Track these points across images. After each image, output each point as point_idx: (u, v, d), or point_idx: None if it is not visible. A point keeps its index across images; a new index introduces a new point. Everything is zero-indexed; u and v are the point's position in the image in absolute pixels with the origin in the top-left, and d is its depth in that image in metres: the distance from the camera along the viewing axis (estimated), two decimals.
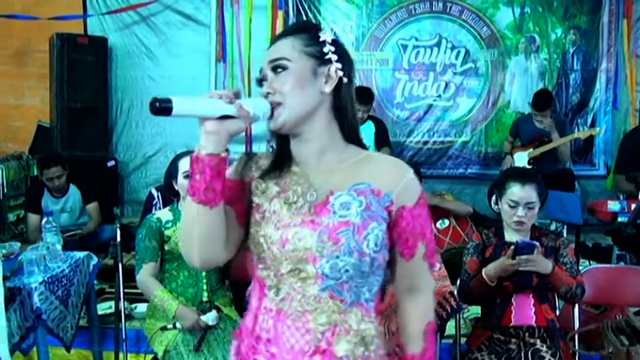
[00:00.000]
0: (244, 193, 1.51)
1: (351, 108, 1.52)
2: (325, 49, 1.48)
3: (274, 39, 1.51)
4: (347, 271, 1.43)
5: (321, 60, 1.47)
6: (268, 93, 1.45)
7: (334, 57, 1.48)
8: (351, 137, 1.53)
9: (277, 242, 1.44)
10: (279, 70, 1.45)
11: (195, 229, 1.41)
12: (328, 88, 1.47)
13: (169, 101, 1.31)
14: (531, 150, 5.66)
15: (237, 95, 1.38)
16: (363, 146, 1.55)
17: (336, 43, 1.50)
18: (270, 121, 1.45)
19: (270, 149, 1.58)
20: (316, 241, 1.42)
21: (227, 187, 1.42)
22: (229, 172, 1.48)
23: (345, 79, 1.49)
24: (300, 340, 1.44)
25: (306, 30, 1.51)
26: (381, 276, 1.52)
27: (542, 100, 5.62)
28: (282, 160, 1.51)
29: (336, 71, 1.47)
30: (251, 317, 1.54)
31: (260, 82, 1.49)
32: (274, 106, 1.44)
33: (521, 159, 5.73)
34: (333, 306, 1.45)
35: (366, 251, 1.43)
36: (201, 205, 1.38)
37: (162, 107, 1.31)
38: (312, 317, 1.45)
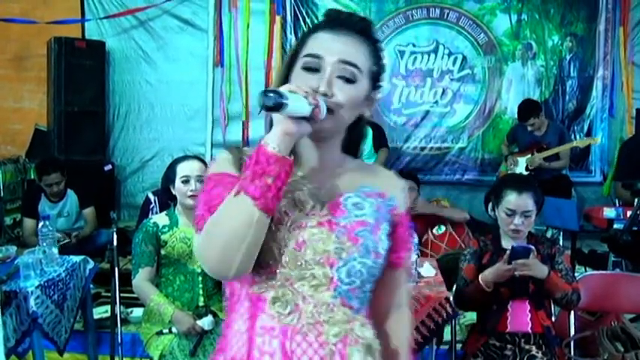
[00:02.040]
0: None
1: (363, 126, 1.46)
2: (382, 75, 1.41)
3: (337, 24, 1.34)
4: (361, 274, 1.34)
5: (375, 85, 1.39)
6: (325, 94, 1.29)
7: (382, 83, 1.41)
8: (352, 150, 1.47)
9: (292, 245, 1.30)
10: (347, 78, 1.32)
11: (248, 237, 1.22)
12: (368, 113, 1.41)
13: (283, 96, 1.17)
14: (529, 156, 5.67)
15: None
16: (357, 157, 1.50)
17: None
18: (312, 122, 1.27)
19: None
20: (335, 242, 1.32)
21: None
22: (230, 170, 1.35)
23: None
24: (315, 356, 1.30)
25: (371, 37, 1.38)
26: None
27: (522, 112, 5.71)
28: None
29: (378, 97, 1.41)
30: (241, 343, 1.33)
31: (315, 68, 1.32)
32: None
33: (519, 165, 5.75)
34: (344, 315, 1.34)
35: (381, 252, 1.37)
36: (262, 212, 1.21)
37: (276, 104, 1.17)
38: (326, 329, 1.32)
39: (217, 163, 1.39)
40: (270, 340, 1.30)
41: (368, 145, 5.92)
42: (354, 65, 1.32)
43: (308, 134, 1.29)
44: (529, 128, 5.68)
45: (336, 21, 1.36)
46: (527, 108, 5.72)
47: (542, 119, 5.73)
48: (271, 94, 1.16)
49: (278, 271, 1.30)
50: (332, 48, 1.32)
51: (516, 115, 5.87)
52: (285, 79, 1.35)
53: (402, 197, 1.47)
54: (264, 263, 1.30)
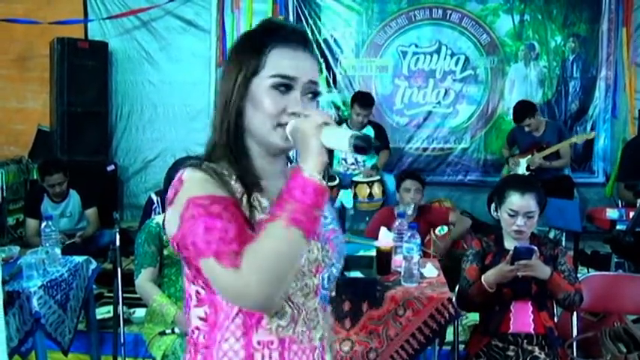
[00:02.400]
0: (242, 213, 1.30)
1: None
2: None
3: (291, 39, 1.34)
4: (335, 278, 1.42)
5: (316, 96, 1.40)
6: (298, 113, 1.30)
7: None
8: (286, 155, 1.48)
9: None
10: (313, 95, 1.35)
11: (297, 267, 1.24)
12: None
13: (371, 139, 1.23)
14: (529, 157, 5.67)
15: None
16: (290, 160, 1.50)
17: None
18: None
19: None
20: (320, 250, 1.36)
21: (235, 210, 1.25)
22: (219, 192, 1.26)
23: None
24: (309, 355, 1.37)
25: (314, 52, 1.41)
26: None
27: (517, 113, 5.73)
28: (254, 174, 1.35)
29: None
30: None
31: (286, 86, 1.32)
32: None
33: (520, 166, 5.75)
34: (322, 318, 1.40)
35: (344, 255, 1.46)
36: (306, 242, 1.20)
37: (374, 147, 1.24)
38: (313, 334, 1.37)
39: (198, 185, 1.26)
40: (270, 353, 1.31)
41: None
42: (317, 83, 1.36)
43: (276, 150, 1.34)
44: (526, 129, 5.68)
45: (290, 36, 1.35)
46: (522, 109, 5.72)
47: (539, 119, 5.73)
48: (364, 140, 1.21)
49: None
50: (302, 68, 1.33)
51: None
52: (242, 95, 1.32)
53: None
54: None
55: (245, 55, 1.33)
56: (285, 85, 1.31)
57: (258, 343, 1.31)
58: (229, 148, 1.34)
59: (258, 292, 1.17)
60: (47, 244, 3.39)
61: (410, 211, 4.45)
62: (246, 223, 1.26)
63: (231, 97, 1.32)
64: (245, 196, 1.30)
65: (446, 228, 4.77)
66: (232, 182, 1.30)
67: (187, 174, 1.28)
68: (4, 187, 5.95)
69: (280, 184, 1.27)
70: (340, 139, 1.23)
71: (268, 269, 1.17)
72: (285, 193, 1.20)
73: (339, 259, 1.43)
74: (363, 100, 5.83)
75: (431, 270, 3.14)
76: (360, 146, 1.21)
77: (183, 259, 1.33)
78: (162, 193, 4.24)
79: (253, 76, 1.32)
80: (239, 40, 1.40)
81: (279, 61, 1.32)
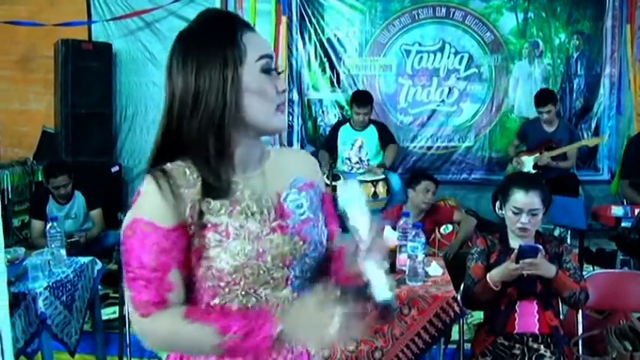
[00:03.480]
0: (187, 234, 1.31)
1: None
2: None
3: (246, 23, 1.38)
4: (311, 267, 1.41)
5: None
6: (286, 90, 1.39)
7: None
8: None
9: (254, 257, 1.31)
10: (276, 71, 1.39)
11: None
12: None
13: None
14: (537, 155, 5.66)
15: None
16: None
17: None
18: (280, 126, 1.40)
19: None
20: (288, 244, 1.36)
21: (174, 245, 1.28)
22: (160, 217, 1.28)
23: None
24: (288, 354, 1.40)
25: None
26: None
27: (540, 98, 5.75)
28: (224, 179, 1.34)
29: None
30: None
31: (272, 70, 1.35)
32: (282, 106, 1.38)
33: (526, 163, 5.74)
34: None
35: (324, 241, 1.45)
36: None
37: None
38: None
39: (147, 204, 1.29)
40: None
41: (374, 144, 5.93)
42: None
43: (255, 133, 1.37)
44: (545, 116, 5.64)
45: (241, 19, 1.38)
46: (545, 94, 5.79)
47: (556, 111, 5.73)
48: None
49: (241, 282, 1.32)
50: (267, 45, 1.39)
51: (534, 103, 5.85)
52: (237, 87, 1.31)
53: (321, 176, 1.56)
54: (226, 276, 1.31)
55: (219, 46, 1.31)
56: (271, 67, 1.34)
57: None
58: (202, 145, 1.31)
59: (151, 345, 1.32)
60: (52, 246, 3.41)
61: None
62: (180, 251, 1.29)
63: (224, 91, 1.29)
64: (200, 202, 1.30)
65: (450, 227, 4.77)
66: (186, 190, 1.29)
67: (145, 186, 1.31)
68: (10, 188, 5.97)
69: (252, 169, 1.38)
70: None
71: (170, 345, 1.34)
72: (248, 328, 1.25)
73: (314, 249, 1.41)
74: (360, 98, 5.84)
75: (436, 269, 3.14)
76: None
77: None
78: None
79: (241, 66, 1.31)
80: (195, 34, 1.35)
81: (255, 44, 1.34)
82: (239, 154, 1.36)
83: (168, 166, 1.32)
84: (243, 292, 1.33)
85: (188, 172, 1.31)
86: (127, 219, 1.30)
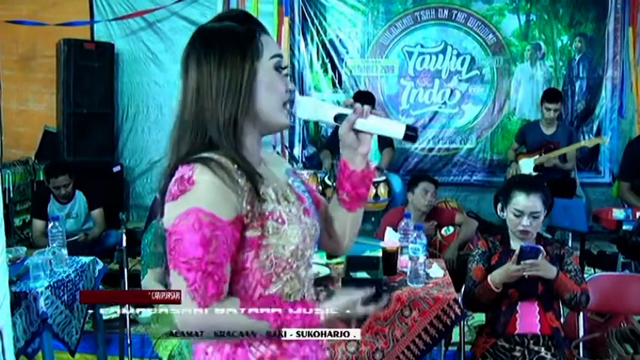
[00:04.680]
0: (241, 226, 1.34)
1: None
2: None
3: (263, 30, 1.45)
4: (314, 246, 1.50)
5: None
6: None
7: None
8: None
9: (302, 240, 1.40)
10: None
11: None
12: None
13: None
14: (537, 157, 5.66)
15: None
16: None
17: None
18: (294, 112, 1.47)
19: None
20: (314, 226, 1.47)
21: (231, 238, 1.31)
22: (221, 209, 1.29)
23: None
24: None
25: None
26: None
27: (549, 94, 5.77)
28: (251, 165, 1.40)
29: None
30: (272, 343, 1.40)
31: (282, 69, 1.44)
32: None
33: (527, 166, 5.74)
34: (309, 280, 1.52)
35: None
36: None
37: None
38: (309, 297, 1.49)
39: (206, 193, 1.29)
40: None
41: (372, 145, 5.92)
42: None
43: (261, 127, 1.43)
44: (552, 114, 5.63)
45: (260, 22, 1.47)
46: (554, 91, 5.85)
47: (558, 111, 5.73)
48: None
49: (294, 266, 1.41)
50: (279, 47, 1.48)
51: (537, 108, 5.88)
52: (252, 80, 1.37)
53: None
54: (283, 262, 1.38)
55: (239, 43, 1.38)
56: (280, 65, 1.42)
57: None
58: (227, 137, 1.36)
59: (193, 327, 1.30)
60: (54, 245, 3.41)
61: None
62: (234, 243, 1.31)
63: (241, 82, 1.36)
64: (253, 192, 1.34)
65: (452, 228, 4.76)
66: (241, 181, 1.33)
67: (198, 175, 1.28)
68: (11, 188, 5.97)
69: (259, 160, 1.45)
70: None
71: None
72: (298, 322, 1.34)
73: (319, 229, 1.52)
74: (362, 95, 5.84)
75: (437, 270, 3.14)
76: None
77: None
78: None
79: (257, 61, 1.38)
80: (217, 31, 1.43)
81: (269, 43, 1.42)
82: (249, 146, 1.42)
83: (213, 155, 1.33)
84: (292, 276, 1.41)
85: (230, 162, 1.33)
86: (178, 207, 1.28)
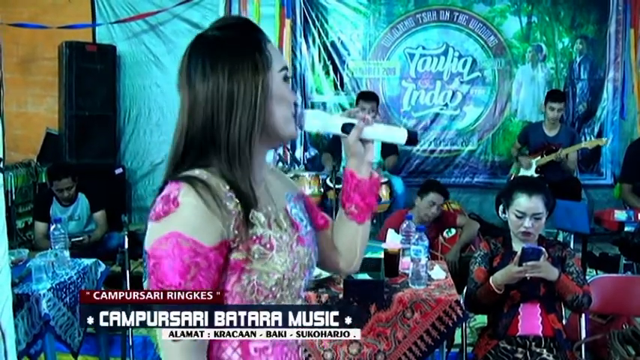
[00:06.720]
0: (225, 251, 1.26)
1: None
2: None
3: (267, 39, 1.38)
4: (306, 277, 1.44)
5: None
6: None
7: None
8: None
9: (291, 268, 1.32)
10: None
11: None
12: None
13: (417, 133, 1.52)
14: (539, 158, 5.66)
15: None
16: None
17: None
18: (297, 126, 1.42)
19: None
20: (307, 255, 1.39)
21: (213, 264, 1.23)
22: (203, 234, 1.21)
23: None
24: (295, 354, 1.42)
25: None
26: None
27: (553, 93, 5.79)
28: (250, 185, 1.30)
29: None
30: None
31: (289, 79, 1.41)
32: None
33: (530, 167, 5.74)
34: None
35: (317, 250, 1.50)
36: None
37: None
38: None
39: (188, 218, 1.21)
40: (267, 359, 1.33)
41: (376, 151, 5.91)
42: None
43: (271, 140, 1.38)
44: (555, 114, 5.63)
45: (262, 30, 1.39)
46: (558, 91, 5.90)
47: (561, 111, 5.73)
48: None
49: (277, 295, 1.32)
50: (284, 57, 1.46)
51: (539, 109, 5.88)
52: (266, 92, 1.31)
53: (295, 184, 1.63)
54: (266, 290, 1.30)
55: (248, 54, 1.30)
56: (287, 76, 1.38)
57: (255, 350, 1.32)
58: (242, 155, 1.29)
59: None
60: (56, 247, 3.41)
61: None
62: (216, 270, 1.24)
63: (256, 96, 1.28)
64: (242, 215, 1.26)
65: (453, 230, 4.76)
66: (228, 203, 1.24)
67: (182, 197, 1.22)
68: (14, 190, 5.97)
69: (260, 181, 1.39)
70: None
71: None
72: None
73: (316, 256, 1.47)
74: (366, 94, 5.85)
75: (439, 272, 3.14)
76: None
77: None
78: None
79: (269, 72, 1.32)
80: (222, 40, 1.33)
81: (275, 53, 1.36)
82: (257, 162, 1.36)
83: (202, 174, 1.26)
84: (274, 303, 1.31)
85: (220, 182, 1.26)
86: (159, 230, 1.22)
